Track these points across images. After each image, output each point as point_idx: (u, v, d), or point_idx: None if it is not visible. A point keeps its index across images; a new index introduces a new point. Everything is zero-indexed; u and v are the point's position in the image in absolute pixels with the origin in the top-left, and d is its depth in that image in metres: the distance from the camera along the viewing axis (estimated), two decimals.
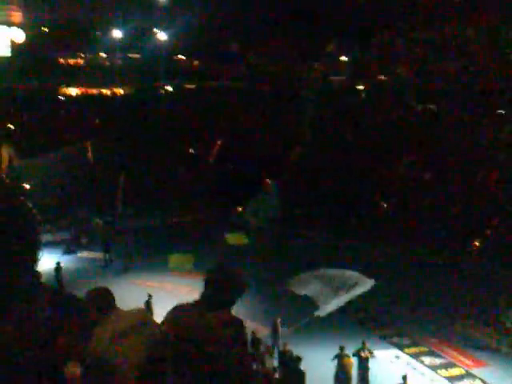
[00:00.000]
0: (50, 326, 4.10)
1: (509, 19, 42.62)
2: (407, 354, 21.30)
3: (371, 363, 17.99)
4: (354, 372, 17.80)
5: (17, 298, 3.79)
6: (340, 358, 17.47)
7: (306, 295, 18.21)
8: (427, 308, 25.02)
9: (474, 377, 19.53)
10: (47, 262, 25.50)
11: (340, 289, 16.61)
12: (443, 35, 47.07)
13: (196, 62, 59.20)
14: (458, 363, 20.56)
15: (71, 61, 56.78)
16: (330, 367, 17.48)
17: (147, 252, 32.28)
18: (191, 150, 47.64)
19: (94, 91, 55.52)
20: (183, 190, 41.30)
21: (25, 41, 37.78)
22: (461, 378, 19.52)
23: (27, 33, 37.87)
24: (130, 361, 3.68)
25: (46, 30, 53.41)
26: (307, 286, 17.66)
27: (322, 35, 52.61)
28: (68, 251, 33.19)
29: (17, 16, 37.92)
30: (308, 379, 15.68)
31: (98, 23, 53.82)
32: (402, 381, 16.53)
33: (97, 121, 50.47)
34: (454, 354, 21.31)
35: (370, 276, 17.95)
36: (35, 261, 3.95)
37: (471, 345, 21.99)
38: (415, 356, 21.08)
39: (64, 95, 54.57)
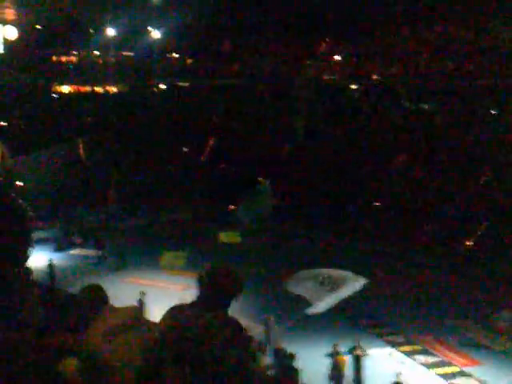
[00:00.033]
0: (42, 323, 4.08)
1: (502, 18, 42.73)
2: (401, 352, 21.33)
3: (365, 361, 18.00)
4: (347, 370, 17.80)
5: (8, 295, 3.76)
6: (333, 356, 17.48)
7: (299, 294, 18.24)
8: (421, 306, 25.10)
9: (467, 375, 19.57)
10: (39, 259, 25.45)
11: (332, 288, 16.64)
12: (437, 35, 47.17)
13: (189, 61, 59.15)
14: (451, 361, 20.61)
15: (64, 58, 56.64)
16: (324, 365, 17.48)
17: (140, 250, 32.28)
18: (184, 149, 47.61)
19: (87, 89, 55.41)
20: (176, 188, 41.29)
21: (18, 38, 37.72)
22: (454, 376, 19.56)
23: (20, 30, 37.80)
24: (123, 358, 3.68)
25: (39, 27, 53.26)
26: (301, 285, 17.69)
27: (316, 34, 52.61)
28: (59, 249, 33.10)
29: (10, 13, 37.84)
30: (302, 377, 15.64)
31: (91, 21, 53.69)
32: (395, 379, 16.53)
33: (89, 119, 50.39)
34: (448, 352, 21.36)
35: (362, 275, 18.01)
36: (26, 258, 3.93)
37: (465, 343, 22.04)
38: (409, 354, 21.11)
39: (57, 93, 54.44)
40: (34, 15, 47.96)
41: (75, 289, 4.49)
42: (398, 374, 16.63)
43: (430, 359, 20.74)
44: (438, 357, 20.97)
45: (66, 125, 47.03)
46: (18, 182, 29.19)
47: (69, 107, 50.57)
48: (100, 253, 31.54)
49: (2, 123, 45.37)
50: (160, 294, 24.06)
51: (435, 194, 36.93)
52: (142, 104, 51.32)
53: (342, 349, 17.97)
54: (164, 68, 53.25)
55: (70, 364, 3.83)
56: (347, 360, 17.88)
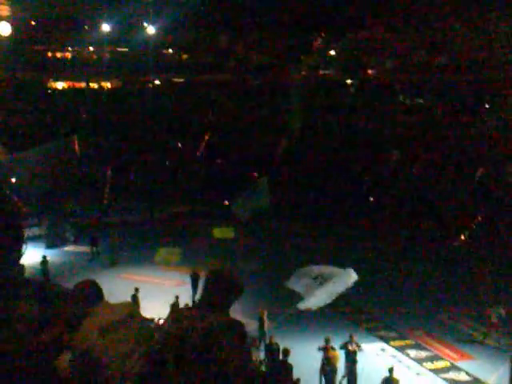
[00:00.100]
0: (37, 318, 4.12)
1: (497, 14, 42.80)
2: (393, 346, 21.41)
3: (358, 356, 18.08)
4: (340, 364, 17.86)
5: (1, 292, 3.80)
6: (325, 350, 17.53)
7: (295, 290, 18.27)
8: (414, 301, 25.24)
9: (459, 370, 19.65)
10: (33, 255, 25.41)
11: (324, 282, 16.63)
12: (432, 30, 47.20)
13: (184, 56, 59.07)
14: (443, 356, 20.70)
15: (59, 54, 56.49)
16: (317, 360, 17.54)
17: (134, 246, 32.28)
18: (179, 144, 47.57)
19: (82, 85, 55.29)
20: (171, 184, 41.26)
21: (12, 34, 37.58)
22: (446, 370, 19.64)
23: (14, 26, 37.66)
24: (117, 354, 3.71)
25: (34, 23, 53.10)
26: (297, 282, 17.71)
27: (311, 29, 52.61)
28: (51, 245, 32.99)
29: (4, 9, 37.71)
30: (295, 372, 15.71)
31: (86, 17, 53.56)
32: (388, 373, 16.61)
33: (84, 114, 50.28)
34: (440, 347, 21.47)
35: (356, 270, 18.03)
36: (19, 254, 3.96)
37: (457, 338, 22.16)
38: (401, 349, 21.20)
39: (51, 88, 54.30)
40: (28, 11, 47.88)
41: (70, 284, 4.54)
42: (391, 369, 16.70)
43: (422, 354, 20.83)
44: (430, 351, 21.06)
45: (60, 120, 46.93)
46: (12, 179, 29.07)
47: (63, 103, 50.46)
48: (94, 249, 31.49)
49: None
50: (155, 289, 24.10)
51: (430, 189, 37.01)
52: (136, 100, 51.19)
53: (336, 344, 18.03)
54: (159, 64, 53.12)
55: (63, 359, 3.88)
56: (340, 354, 17.94)
